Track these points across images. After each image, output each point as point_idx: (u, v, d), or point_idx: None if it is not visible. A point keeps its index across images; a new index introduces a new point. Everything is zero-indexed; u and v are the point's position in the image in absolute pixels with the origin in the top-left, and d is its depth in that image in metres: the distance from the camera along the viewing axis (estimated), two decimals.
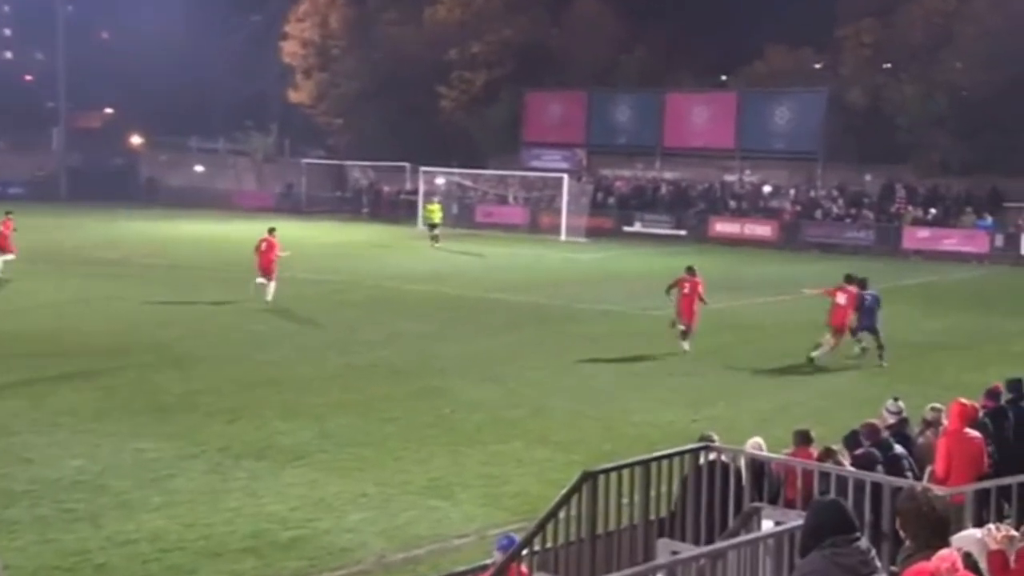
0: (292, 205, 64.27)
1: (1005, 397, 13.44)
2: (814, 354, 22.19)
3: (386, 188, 62.81)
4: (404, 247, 45.78)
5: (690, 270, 23.92)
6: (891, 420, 12.40)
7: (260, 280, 28.82)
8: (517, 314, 28.38)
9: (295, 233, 49.50)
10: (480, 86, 63.59)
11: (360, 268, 36.91)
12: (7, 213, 34.20)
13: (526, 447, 16.10)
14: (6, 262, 32.96)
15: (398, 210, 59.37)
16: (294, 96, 68.86)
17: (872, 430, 11.83)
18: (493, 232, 52.69)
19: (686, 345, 23.10)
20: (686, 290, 23.47)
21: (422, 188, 56.92)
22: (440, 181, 59.36)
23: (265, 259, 28.87)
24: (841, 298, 22.62)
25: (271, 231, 29.86)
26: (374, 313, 27.94)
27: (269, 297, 28.36)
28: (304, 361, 21.50)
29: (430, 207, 48.81)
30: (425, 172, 57.34)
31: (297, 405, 18.03)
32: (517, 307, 29.59)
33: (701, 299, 23.51)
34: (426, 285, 33.46)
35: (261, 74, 72.96)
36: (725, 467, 10.33)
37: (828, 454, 10.87)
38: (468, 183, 59.29)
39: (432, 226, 47.56)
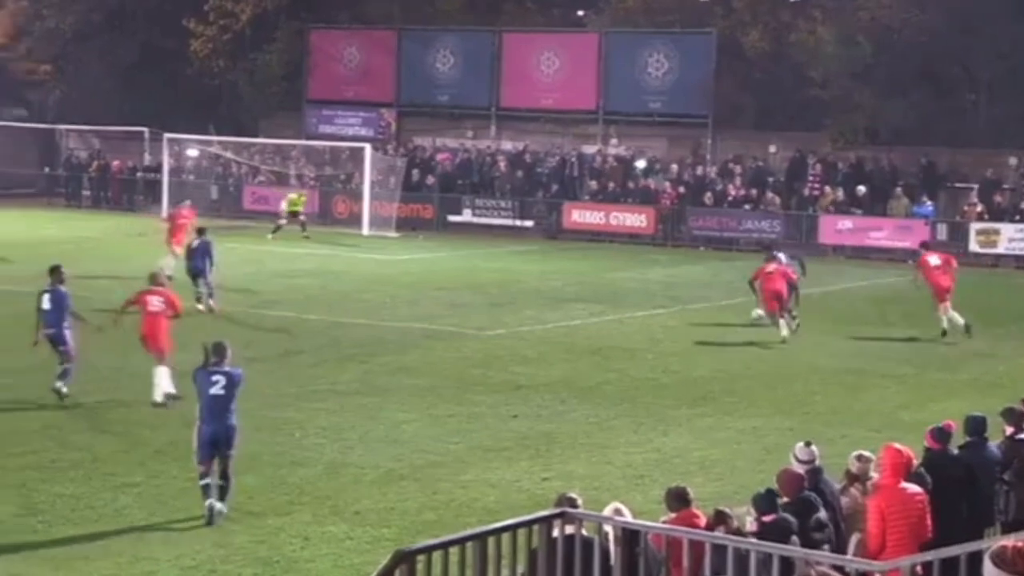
0: None
1: (960, 441, 13.91)
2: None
3: (116, 163, 61.66)
4: (135, 244, 44.95)
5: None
6: (800, 471, 12.77)
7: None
8: (302, 337, 28.25)
9: None
10: (246, 21, 62.92)
11: (83, 274, 36.06)
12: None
13: (316, 520, 16.03)
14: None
15: (133, 193, 58.32)
16: None
17: (793, 481, 12.10)
18: (268, 223, 52.13)
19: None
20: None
21: (168, 163, 56.11)
22: (192, 153, 58.62)
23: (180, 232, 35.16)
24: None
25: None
26: (103, 338, 27.42)
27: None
28: None
29: (294, 197, 50.65)
30: (171, 140, 56.58)
31: None
32: (302, 327, 29.43)
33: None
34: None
35: None
36: (588, 542, 10.47)
37: (720, 519, 11.05)
38: (231, 155, 58.66)
39: (293, 214, 49.52)
